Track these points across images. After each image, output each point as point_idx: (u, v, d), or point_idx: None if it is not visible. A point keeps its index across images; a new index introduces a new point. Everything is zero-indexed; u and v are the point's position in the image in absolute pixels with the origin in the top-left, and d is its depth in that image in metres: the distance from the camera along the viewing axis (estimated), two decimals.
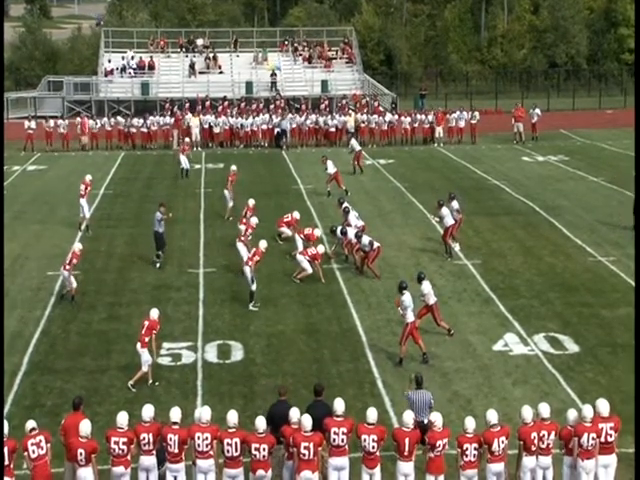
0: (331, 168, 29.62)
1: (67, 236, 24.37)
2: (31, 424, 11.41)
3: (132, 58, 49.62)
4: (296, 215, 23.60)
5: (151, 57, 49.76)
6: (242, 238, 21.14)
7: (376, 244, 20.90)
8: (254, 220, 21.83)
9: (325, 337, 17.57)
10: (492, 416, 11.61)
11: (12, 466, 11.21)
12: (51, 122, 39.14)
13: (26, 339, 17.35)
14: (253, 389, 15.15)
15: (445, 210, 22.56)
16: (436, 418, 11.65)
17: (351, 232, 21.53)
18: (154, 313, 15.55)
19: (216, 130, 39.62)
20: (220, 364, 16.25)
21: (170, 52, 51.08)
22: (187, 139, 35.59)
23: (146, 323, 15.33)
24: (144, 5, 69.68)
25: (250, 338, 17.42)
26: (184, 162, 32.78)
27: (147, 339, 15.16)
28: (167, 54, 50.95)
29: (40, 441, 11.21)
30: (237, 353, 16.74)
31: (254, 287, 18.99)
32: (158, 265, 21.78)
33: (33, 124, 38.83)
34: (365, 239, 20.93)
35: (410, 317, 16.07)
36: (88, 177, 26.45)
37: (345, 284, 20.57)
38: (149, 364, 15.27)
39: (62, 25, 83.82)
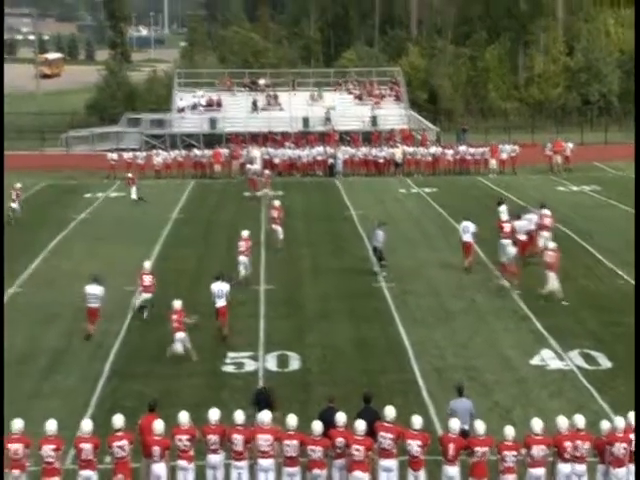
0: None
1: (142, 255, 24.66)
2: (118, 423, 11.58)
3: (202, 96, 50.40)
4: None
5: (218, 95, 50.48)
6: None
7: (549, 244, 20.95)
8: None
9: (374, 349, 17.54)
10: (536, 425, 11.46)
11: (95, 460, 11.43)
12: (130, 154, 39.95)
13: (107, 348, 17.65)
14: (309, 396, 15.15)
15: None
16: (479, 426, 11.53)
17: (521, 224, 22.49)
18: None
19: (276, 161, 40.01)
20: (279, 372, 16.33)
21: (235, 91, 51.76)
22: (129, 174, 35.07)
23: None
24: (212, 49, 70.83)
25: (306, 349, 17.46)
26: (133, 193, 33.30)
27: None
28: (233, 93, 51.63)
29: (124, 445, 11.40)
30: (294, 363, 16.80)
31: None
32: (385, 274, 22.09)
33: (115, 156, 39.68)
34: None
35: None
36: (18, 185, 30.24)
37: (392, 301, 20.52)
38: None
39: (141, 68, 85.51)
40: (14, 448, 11.39)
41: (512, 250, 21.05)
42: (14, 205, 29.73)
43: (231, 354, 17.15)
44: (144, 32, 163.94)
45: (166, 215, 30.80)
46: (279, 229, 25.51)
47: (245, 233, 22.17)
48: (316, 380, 15.94)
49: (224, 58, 66.58)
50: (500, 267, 21.70)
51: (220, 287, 18.26)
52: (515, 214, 24.09)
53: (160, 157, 39.78)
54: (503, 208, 24.77)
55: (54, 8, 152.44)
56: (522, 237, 22.69)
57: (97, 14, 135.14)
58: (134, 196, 33.30)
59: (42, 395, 15.40)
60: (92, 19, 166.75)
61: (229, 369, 16.50)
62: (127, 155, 39.85)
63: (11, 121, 53.05)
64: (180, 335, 16.79)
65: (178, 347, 16.75)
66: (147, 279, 19.37)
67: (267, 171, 36.22)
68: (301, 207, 32.35)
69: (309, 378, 16.08)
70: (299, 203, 33.20)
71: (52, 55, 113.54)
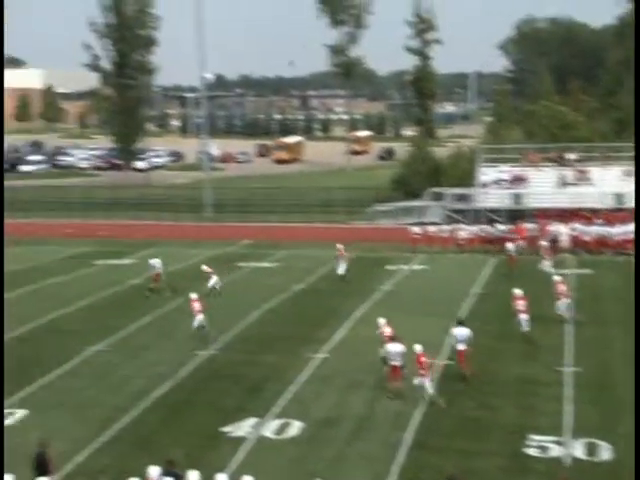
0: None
1: (442, 328, 24.92)
2: None
3: (506, 171, 50.41)
4: None
5: (523, 170, 50.17)
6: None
7: None
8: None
9: None
10: None
11: None
12: (434, 228, 41.07)
13: (407, 417, 18.00)
14: None
15: None
16: None
17: None
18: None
19: (586, 238, 38.65)
20: (588, 462, 15.50)
21: (541, 166, 51.06)
22: (340, 247, 34.02)
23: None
24: (517, 124, 70.81)
25: (619, 439, 16.40)
26: (342, 267, 33.08)
27: None
28: (539, 167, 50.99)
29: None
30: (605, 453, 15.87)
31: None
32: None
33: (418, 229, 41.01)
34: None
35: None
36: (204, 267, 31.21)
37: None
38: None
39: (445, 144, 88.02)
40: None
41: None
42: (214, 284, 30.21)
43: (534, 436, 16.66)
44: (450, 108, 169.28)
45: (467, 289, 31.00)
46: (568, 302, 25.68)
47: (518, 292, 23.82)
48: (629, 474, 14.84)
49: (530, 132, 66.19)
50: None
51: (461, 332, 20.41)
52: None
53: (464, 232, 40.35)
54: None
55: (366, 88, 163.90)
56: None
57: (405, 92, 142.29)
58: (341, 271, 33.23)
59: (345, 459, 16.09)
60: (400, 98, 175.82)
61: (532, 452, 16.03)
62: (431, 229, 40.96)
63: (322, 195, 57.32)
64: (422, 380, 18.43)
65: (429, 390, 18.43)
66: (387, 330, 21.07)
67: (544, 242, 36.45)
68: (611, 286, 30.84)
69: (621, 471, 15.07)
70: (609, 282, 31.68)
71: (362, 133, 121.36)
